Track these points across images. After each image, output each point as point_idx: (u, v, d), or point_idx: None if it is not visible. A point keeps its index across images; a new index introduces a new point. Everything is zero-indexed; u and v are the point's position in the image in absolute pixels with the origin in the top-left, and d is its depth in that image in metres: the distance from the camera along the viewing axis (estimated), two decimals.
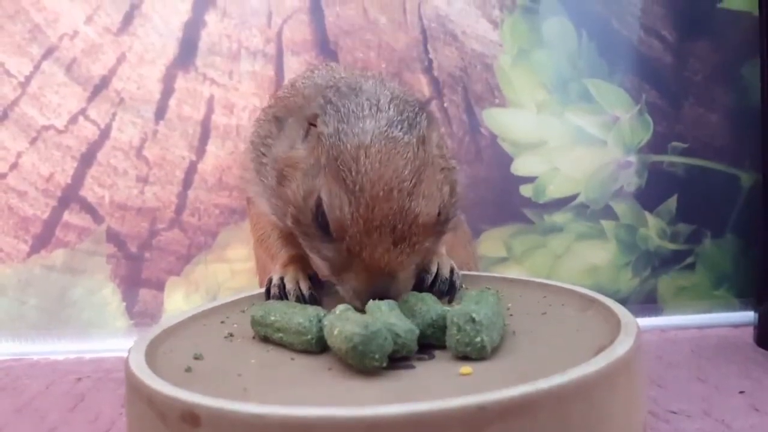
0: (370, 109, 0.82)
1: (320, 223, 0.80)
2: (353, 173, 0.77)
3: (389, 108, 0.83)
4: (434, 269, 0.85)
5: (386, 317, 0.68)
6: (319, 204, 0.79)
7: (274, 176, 0.87)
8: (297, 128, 0.87)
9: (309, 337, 0.69)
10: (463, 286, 0.89)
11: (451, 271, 0.86)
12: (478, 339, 0.64)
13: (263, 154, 0.92)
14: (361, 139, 0.79)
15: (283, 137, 0.89)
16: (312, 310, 0.73)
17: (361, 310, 0.74)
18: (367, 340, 0.61)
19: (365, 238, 0.76)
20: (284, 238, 0.96)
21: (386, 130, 0.80)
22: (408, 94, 0.89)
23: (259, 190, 0.94)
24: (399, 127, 0.81)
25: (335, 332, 0.64)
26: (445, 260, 0.87)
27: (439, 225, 0.83)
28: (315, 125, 0.83)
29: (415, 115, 0.83)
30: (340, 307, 0.69)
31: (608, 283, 1.48)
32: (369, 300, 0.74)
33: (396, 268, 0.77)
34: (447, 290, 0.84)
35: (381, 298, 0.74)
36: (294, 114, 0.90)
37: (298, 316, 0.71)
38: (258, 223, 1.04)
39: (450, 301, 0.83)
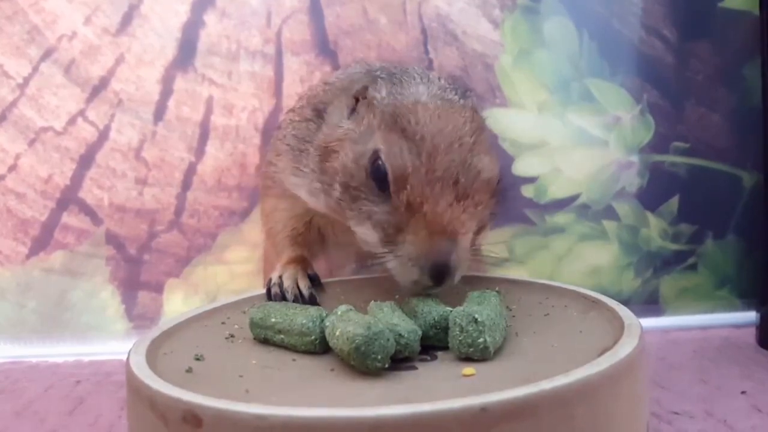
0: (421, 79, 0.81)
1: (376, 177, 0.75)
2: (412, 123, 0.74)
3: (439, 80, 0.82)
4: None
5: (388, 318, 0.67)
6: (375, 159, 0.75)
7: (317, 157, 0.84)
8: (341, 109, 0.85)
9: (312, 337, 0.69)
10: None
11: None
12: (481, 340, 0.64)
13: (302, 151, 0.89)
14: (417, 97, 0.77)
15: (325, 125, 0.86)
16: (314, 311, 0.72)
17: (421, 291, 0.71)
18: (369, 341, 0.61)
19: (427, 188, 0.72)
20: (292, 237, 0.96)
21: (440, 93, 0.79)
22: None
23: (298, 181, 0.90)
24: (452, 92, 0.80)
25: (337, 333, 0.64)
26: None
27: (497, 195, 0.79)
28: (364, 97, 0.81)
29: (465, 90, 0.83)
30: (342, 308, 0.69)
31: (610, 283, 1.48)
32: (429, 267, 0.70)
33: (458, 228, 0.72)
34: None
35: (440, 270, 0.70)
36: (335, 99, 0.87)
37: (301, 317, 0.71)
38: (271, 217, 1.02)
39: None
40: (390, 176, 0.74)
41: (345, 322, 0.64)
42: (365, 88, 0.82)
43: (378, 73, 0.85)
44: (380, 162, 0.75)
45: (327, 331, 0.67)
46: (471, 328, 0.65)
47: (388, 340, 0.61)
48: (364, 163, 0.77)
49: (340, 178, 0.79)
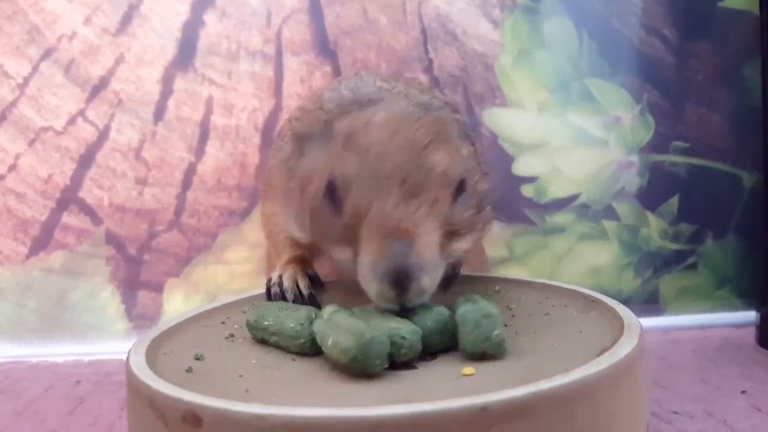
0: (388, 98, 0.79)
1: (330, 197, 0.73)
2: (363, 137, 0.72)
3: (404, 104, 0.79)
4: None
5: (385, 321, 0.67)
6: (330, 179, 0.73)
7: (298, 194, 0.81)
8: (319, 147, 0.81)
9: (302, 340, 0.69)
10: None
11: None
12: (496, 332, 0.64)
13: (288, 178, 0.87)
14: (371, 115, 0.75)
15: (305, 159, 0.83)
16: (304, 312, 0.72)
17: (391, 303, 0.66)
18: (364, 349, 0.60)
19: (373, 192, 0.68)
20: (292, 238, 0.96)
21: (398, 110, 0.77)
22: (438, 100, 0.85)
23: (285, 212, 0.89)
24: (412, 110, 0.77)
25: (329, 343, 0.63)
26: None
27: (465, 201, 0.74)
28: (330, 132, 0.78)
29: (441, 106, 0.81)
30: (327, 311, 0.68)
31: (610, 283, 1.48)
32: (386, 275, 0.65)
33: (411, 227, 0.67)
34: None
35: (398, 275, 0.65)
36: (315, 131, 0.84)
37: (290, 320, 0.71)
38: (271, 220, 1.01)
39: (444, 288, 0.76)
40: (339, 191, 0.72)
41: (335, 330, 0.63)
42: (330, 124, 0.80)
43: (348, 102, 0.82)
44: (331, 180, 0.73)
45: (318, 338, 0.66)
46: (485, 322, 0.64)
47: (382, 342, 0.61)
48: (321, 186, 0.75)
49: (308, 208, 0.78)
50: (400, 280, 0.66)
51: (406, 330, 0.65)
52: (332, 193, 0.73)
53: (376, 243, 0.67)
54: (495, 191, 0.86)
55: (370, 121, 0.74)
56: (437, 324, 0.68)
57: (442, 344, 0.68)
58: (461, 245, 0.75)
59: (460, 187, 0.73)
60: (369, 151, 0.70)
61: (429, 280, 0.68)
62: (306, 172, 0.80)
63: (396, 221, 0.67)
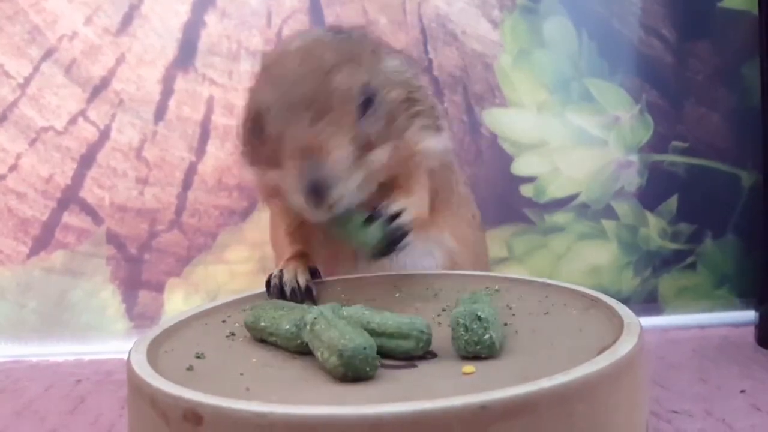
0: (302, 35, 0.86)
1: (256, 131, 0.80)
2: (277, 67, 0.79)
3: (320, 31, 0.87)
4: (387, 203, 0.82)
5: (393, 318, 0.67)
6: (253, 110, 0.80)
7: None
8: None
9: (299, 341, 0.69)
10: (411, 236, 0.82)
11: (399, 213, 0.81)
12: (487, 336, 0.64)
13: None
14: (287, 46, 0.83)
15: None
16: (298, 313, 0.72)
17: (318, 213, 0.75)
18: (348, 366, 0.60)
19: (285, 117, 0.76)
20: (290, 234, 0.96)
21: (310, 37, 0.83)
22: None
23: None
24: (323, 35, 0.84)
25: (319, 356, 0.63)
26: (404, 202, 0.84)
27: (373, 113, 0.80)
28: None
29: (347, 33, 0.85)
30: (310, 318, 0.67)
31: (609, 283, 1.48)
32: (304, 189, 0.74)
33: (321, 145, 0.74)
34: (385, 229, 0.80)
35: (314, 186, 0.73)
36: None
37: (285, 322, 0.70)
38: (272, 221, 1.05)
39: (390, 246, 0.80)
40: (261, 119, 0.78)
41: (320, 343, 0.63)
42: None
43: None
44: (254, 111, 0.80)
45: (310, 346, 0.66)
46: (476, 326, 0.65)
47: (365, 348, 0.61)
48: (248, 118, 0.82)
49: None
50: (316, 191, 0.74)
51: (421, 324, 0.65)
52: (256, 122, 0.80)
53: (292, 163, 0.75)
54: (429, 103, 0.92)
55: (284, 51, 0.81)
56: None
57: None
58: (378, 156, 0.81)
59: (367, 102, 0.79)
60: (281, 80, 0.77)
61: (343, 187, 0.76)
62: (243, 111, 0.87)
63: (306, 142, 0.74)
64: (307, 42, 0.82)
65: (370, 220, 0.79)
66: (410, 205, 0.84)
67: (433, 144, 0.90)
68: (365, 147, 0.78)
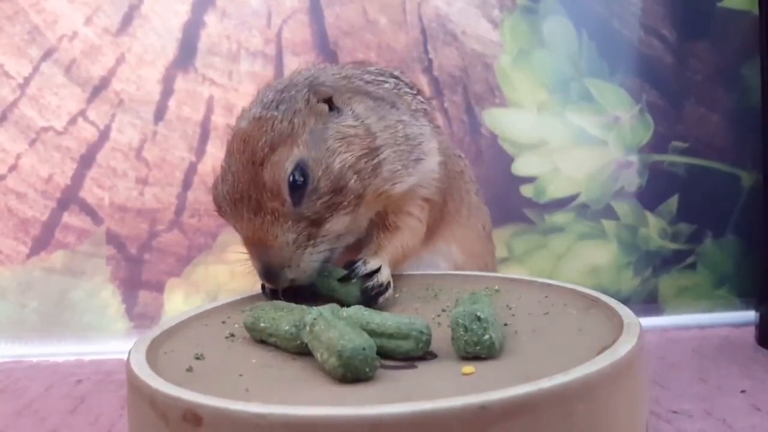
0: (266, 96, 0.87)
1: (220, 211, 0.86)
2: (228, 155, 0.83)
3: (275, 91, 0.87)
4: (363, 260, 0.83)
5: (393, 319, 0.67)
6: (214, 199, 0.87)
7: None
8: None
9: (298, 342, 0.69)
10: (391, 290, 0.83)
11: (378, 270, 0.82)
12: (486, 337, 0.64)
13: None
14: (239, 125, 0.85)
15: None
16: (297, 314, 0.72)
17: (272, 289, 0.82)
18: (348, 367, 0.60)
19: (233, 211, 0.82)
20: None
21: (258, 112, 0.84)
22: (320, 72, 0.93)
23: None
24: (270, 106, 0.84)
25: (318, 358, 0.63)
26: (381, 258, 0.85)
27: (311, 193, 0.80)
28: None
29: (296, 93, 0.85)
30: (309, 319, 0.67)
31: (609, 283, 1.48)
32: (260, 272, 0.81)
33: (261, 238, 0.79)
34: (364, 287, 0.81)
35: (269, 269, 0.79)
36: None
37: (284, 323, 0.70)
38: None
39: (367, 302, 0.79)
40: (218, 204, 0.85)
41: (319, 344, 0.63)
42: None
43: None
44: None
45: (310, 347, 0.66)
46: (475, 327, 0.65)
47: (364, 352, 0.61)
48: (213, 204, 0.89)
49: None
50: (268, 275, 0.81)
51: (421, 324, 0.65)
52: (217, 206, 0.86)
53: (248, 249, 0.83)
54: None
55: (236, 131, 0.84)
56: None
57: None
58: (333, 225, 0.82)
59: (296, 187, 0.80)
60: (226, 173, 0.83)
61: (295, 269, 0.81)
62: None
63: (250, 234, 0.80)
64: (250, 123, 0.83)
65: (345, 279, 0.82)
66: (389, 255, 0.87)
67: (412, 181, 0.90)
68: (314, 223, 0.81)
